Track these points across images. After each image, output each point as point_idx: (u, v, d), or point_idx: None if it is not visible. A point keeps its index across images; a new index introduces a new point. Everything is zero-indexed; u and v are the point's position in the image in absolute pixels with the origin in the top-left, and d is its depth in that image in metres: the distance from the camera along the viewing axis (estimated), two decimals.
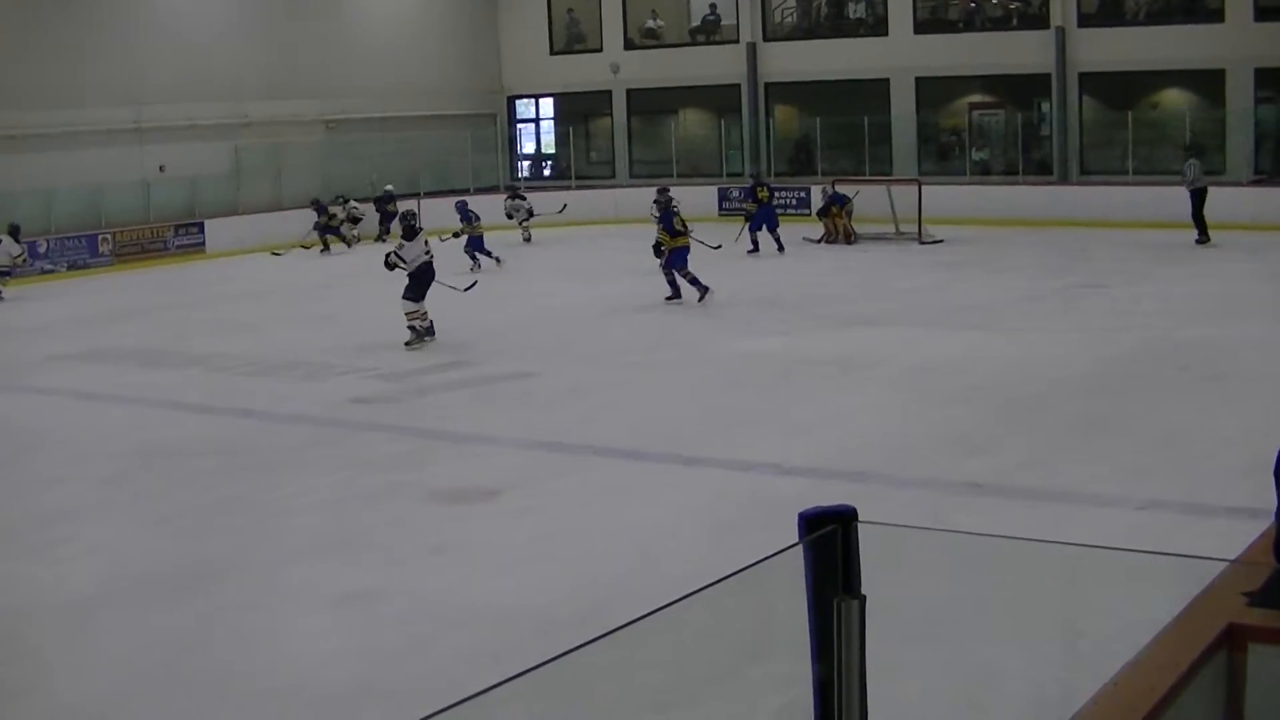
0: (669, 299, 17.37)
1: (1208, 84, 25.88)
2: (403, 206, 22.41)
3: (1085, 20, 26.86)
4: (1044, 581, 3.27)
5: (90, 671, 6.70)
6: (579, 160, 32.39)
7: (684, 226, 17.49)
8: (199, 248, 25.82)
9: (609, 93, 31.86)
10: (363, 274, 20.15)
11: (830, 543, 2.19)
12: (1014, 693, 4.80)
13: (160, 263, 24.79)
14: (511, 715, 1.87)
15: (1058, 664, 4.15)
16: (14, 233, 21.75)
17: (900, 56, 28.15)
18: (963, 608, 4.10)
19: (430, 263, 15.30)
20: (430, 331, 15.20)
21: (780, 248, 22.60)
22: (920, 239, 23.30)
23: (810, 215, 25.71)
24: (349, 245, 26.40)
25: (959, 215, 24.74)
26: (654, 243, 17.48)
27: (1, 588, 8.00)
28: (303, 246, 25.73)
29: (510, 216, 25.87)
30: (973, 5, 28.63)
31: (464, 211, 22.28)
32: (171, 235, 25.57)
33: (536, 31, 32.55)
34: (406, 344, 14.97)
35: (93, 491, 10.03)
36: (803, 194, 27.55)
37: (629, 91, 31.68)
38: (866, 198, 24.23)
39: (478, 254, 21.85)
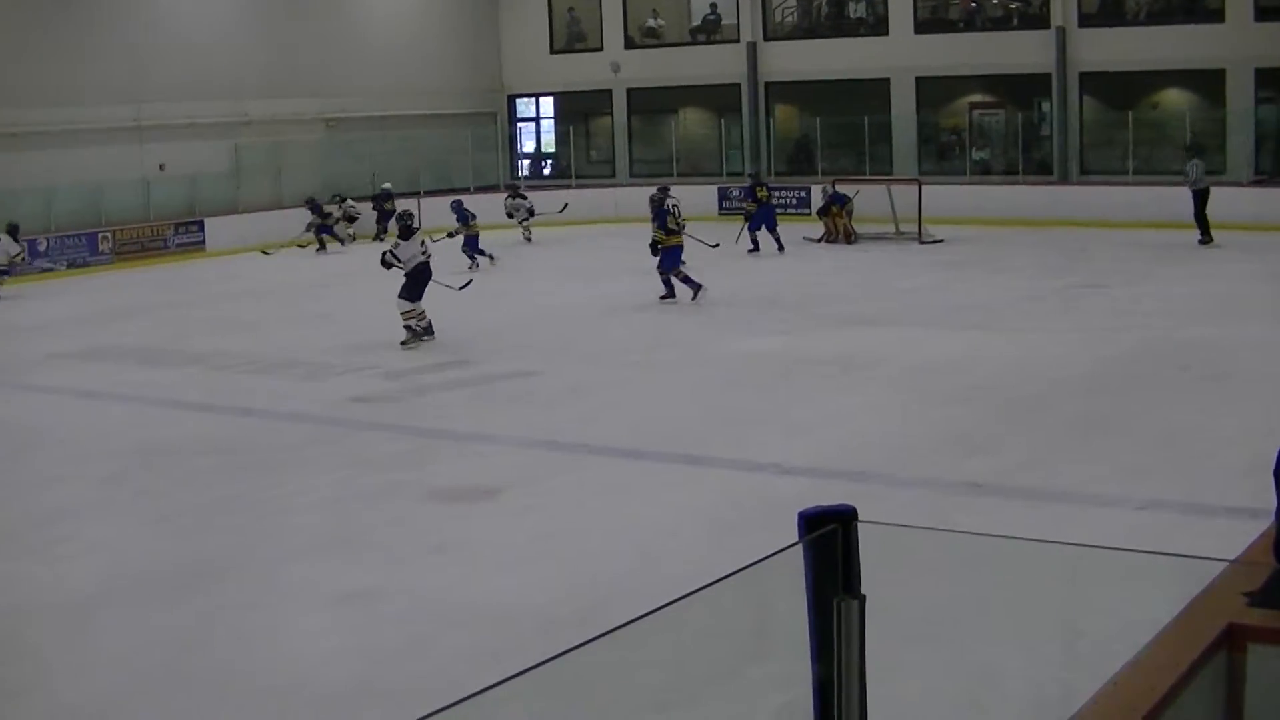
0: (663, 298, 17.39)
1: (1208, 84, 25.88)
2: (402, 205, 22.44)
3: (1086, 20, 26.86)
4: (1044, 581, 3.27)
5: (90, 671, 6.70)
6: (579, 159, 32.38)
7: (677, 226, 17.55)
8: (199, 246, 25.82)
9: (609, 92, 31.86)
10: (362, 273, 20.14)
11: (830, 542, 2.19)
12: (1014, 693, 4.80)
13: (160, 261, 24.79)
14: (511, 715, 1.87)
15: (1058, 664, 4.15)
16: (12, 232, 21.75)
17: (901, 56, 28.14)
18: (963, 608, 4.10)
19: (427, 263, 15.31)
20: (429, 331, 15.20)
21: (780, 247, 22.60)
22: (920, 239, 23.30)
23: (810, 215, 25.72)
24: (342, 244, 26.36)
25: (959, 215, 24.74)
26: (650, 241, 17.53)
27: (1, 587, 8.00)
28: (298, 245, 25.73)
29: (511, 215, 25.87)
30: (973, 5, 28.62)
31: (459, 211, 22.26)
32: (171, 234, 25.57)
33: (537, 30, 32.55)
34: (403, 343, 14.97)
35: (92, 490, 10.03)
36: (803, 193, 27.55)
37: (629, 91, 31.68)
38: (867, 197, 24.23)
39: (475, 254, 21.84)
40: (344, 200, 27.36)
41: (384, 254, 15.68)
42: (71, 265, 23.65)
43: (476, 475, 9.90)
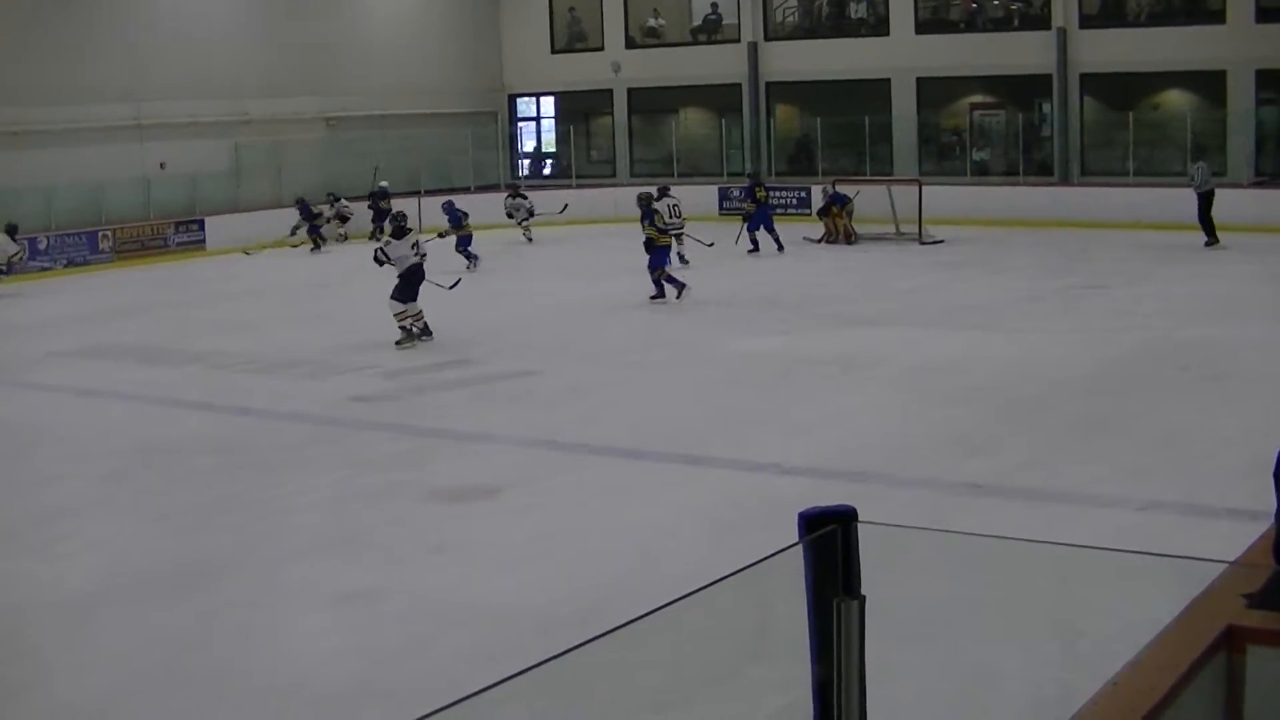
0: (653, 298, 17.44)
1: (1209, 85, 25.88)
2: (400, 205, 22.41)
3: (1086, 21, 26.86)
4: (1044, 582, 3.28)
5: (90, 669, 6.70)
6: (579, 159, 32.37)
7: (665, 226, 17.64)
8: (199, 245, 25.82)
9: (610, 91, 31.86)
10: (360, 272, 20.11)
11: (830, 543, 2.19)
12: (1014, 693, 4.80)
13: (160, 260, 24.79)
14: (511, 715, 1.87)
15: (1057, 664, 4.15)
16: (11, 231, 21.75)
17: (901, 56, 28.14)
18: (963, 608, 4.10)
19: (420, 264, 15.31)
20: (426, 331, 15.20)
21: (780, 247, 22.60)
22: (920, 239, 23.29)
23: (811, 215, 25.72)
24: (325, 242, 26.12)
25: (959, 215, 24.74)
26: (644, 240, 17.57)
27: (1, 585, 8.00)
28: (290, 245, 25.69)
29: (511, 215, 25.85)
30: (974, 6, 28.62)
31: (451, 211, 22.20)
32: (172, 232, 25.56)
33: (538, 30, 32.55)
34: (398, 344, 14.97)
35: (92, 489, 10.03)
36: (803, 194, 27.54)
37: (630, 90, 31.68)
38: (867, 198, 24.23)
39: (469, 253, 21.78)
40: (337, 199, 27.29)
41: (376, 251, 15.75)
42: (72, 264, 23.66)
43: (476, 475, 9.90)
